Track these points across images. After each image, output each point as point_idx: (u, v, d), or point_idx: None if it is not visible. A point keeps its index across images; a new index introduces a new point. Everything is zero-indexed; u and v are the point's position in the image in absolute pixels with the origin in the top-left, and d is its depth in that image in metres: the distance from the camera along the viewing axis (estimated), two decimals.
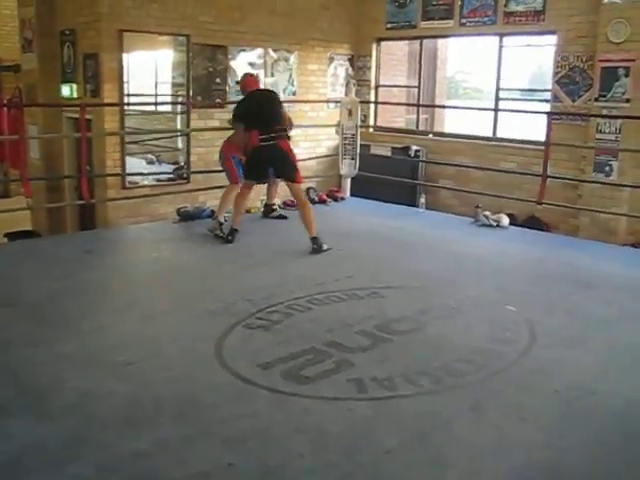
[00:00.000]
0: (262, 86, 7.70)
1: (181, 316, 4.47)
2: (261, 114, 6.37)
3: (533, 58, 14.90)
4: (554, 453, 2.96)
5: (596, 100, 8.03)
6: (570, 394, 3.52)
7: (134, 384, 3.45)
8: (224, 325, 4.27)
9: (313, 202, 8.30)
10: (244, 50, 9.09)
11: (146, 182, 8.63)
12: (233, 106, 8.65)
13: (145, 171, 8.83)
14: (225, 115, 8.82)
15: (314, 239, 6.18)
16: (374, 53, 10.53)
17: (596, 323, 4.61)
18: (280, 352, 3.87)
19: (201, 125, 8.71)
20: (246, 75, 7.18)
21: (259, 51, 9.27)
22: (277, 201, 7.77)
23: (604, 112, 7.93)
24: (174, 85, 8.99)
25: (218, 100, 8.91)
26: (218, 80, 8.91)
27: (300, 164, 8.86)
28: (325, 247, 6.17)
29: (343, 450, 2.90)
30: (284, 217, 7.55)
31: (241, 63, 9.09)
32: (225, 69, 8.98)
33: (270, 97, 6.71)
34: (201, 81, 8.76)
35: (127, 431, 3.00)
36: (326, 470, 2.75)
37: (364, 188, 8.78)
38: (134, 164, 8.74)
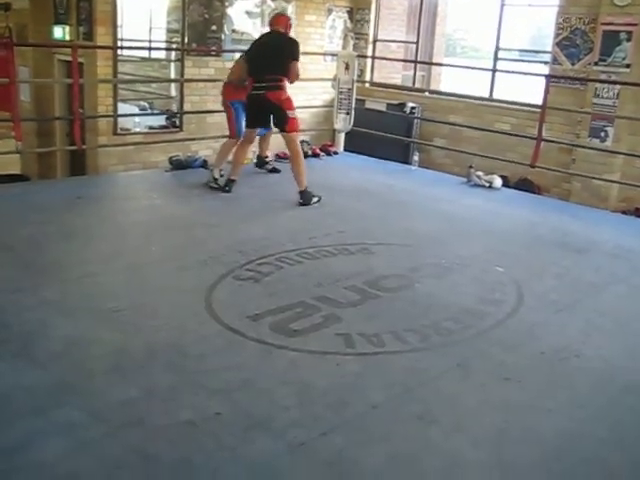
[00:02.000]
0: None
1: (170, 265, 4.45)
2: (258, 61, 6.17)
3: (534, 19, 14.73)
4: (536, 413, 3.00)
5: (596, 64, 7.96)
6: (555, 356, 3.55)
7: (122, 332, 3.44)
8: (214, 276, 4.26)
9: (306, 156, 8.24)
10: None
11: (138, 129, 8.53)
12: (228, 55, 8.61)
13: (137, 119, 8.70)
14: (220, 64, 8.71)
15: (302, 192, 6.14)
16: (373, 6, 10.37)
17: (584, 288, 4.64)
18: (269, 304, 3.87)
19: (195, 73, 8.57)
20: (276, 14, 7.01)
21: (256, 0, 9.09)
22: (270, 153, 7.70)
23: (603, 77, 7.86)
24: (169, 31, 8.82)
25: (214, 48, 8.76)
26: (214, 27, 8.74)
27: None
28: (314, 201, 6.15)
29: (329, 404, 2.92)
30: (277, 170, 7.49)
31: (238, 11, 8.93)
32: (221, 16, 8.81)
33: (274, 44, 6.22)
34: (197, 28, 8.59)
35: (115, 378, 3.00)
36: (312, 423, 2.77)
37: (358, 143, 8.71)
38: (126, 111, 8.63)
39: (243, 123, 6.67)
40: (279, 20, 6.43)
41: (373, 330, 3.64)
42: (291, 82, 6.19)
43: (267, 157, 7.59)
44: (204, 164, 7.33)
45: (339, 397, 2.98)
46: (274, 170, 7.51)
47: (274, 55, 6.10)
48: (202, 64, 8.62)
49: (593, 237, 5.91)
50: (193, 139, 8.19)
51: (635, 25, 7.57)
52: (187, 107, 8.53)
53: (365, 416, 2.86)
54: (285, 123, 6.17)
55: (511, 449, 2.73)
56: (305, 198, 6.13)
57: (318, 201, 6.17)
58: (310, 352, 3.38)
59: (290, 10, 9.42)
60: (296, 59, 6.11)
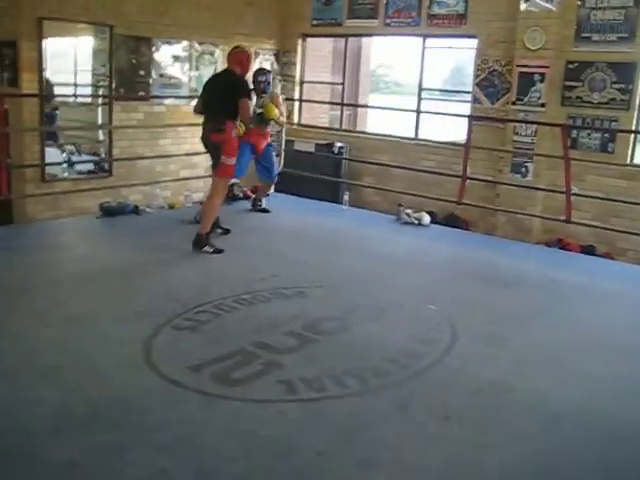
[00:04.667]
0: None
1: (108, 317, 4.39)
2: (206, 100, 6.17)
3: (455, 59, 15.24)
4: (477, 450, 3.09)
5: (514, 104, 8.35)
6: (490, 391, 3.67)
7: (62, 390, 3.39)
8: (152, 326, 4.23)
9: (237, 198, 8.30)
10: (168, 43, 8.98)
11: (66, 175, 8.41)
12: (156, 100, 8.64)
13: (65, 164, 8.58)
14: (148, 108, 8.71)
15: (199, 235, 5.97)
16: (299, 49, 10.59)
17: (514, 321, 4.82)
18: (209, 354, 3.88)
19: (124, 117, 8.55)
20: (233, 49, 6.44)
21: (184, 44, 9.18)
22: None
23: (521, 115, 8.24)
24: (95, 74, 8.77)
25: (142, 93, 8.77)
26: (142, 72, 8.76)
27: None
28: (206, 249, 5.93)
29: (275, 453, 2.95)
30: (267, 211, 7.87)
31: (165, 56, 8.98)
32: (149, 61, 8.84)
33: (222, 84, 6.11)
34: (124, 73, 8.59)
35: (57, 439, 2.94)
36: (259, 473, 2.79)
37: (288, 184, 8.81)
38: (53, 155, 8.50)
39: (243, 164, 7.02)
40: (234, 59, 6.21)
41: (313, 375, 3.69)
42: (243, 120, 6.12)
43: (260, 201, 7.93)
44: (135, 210, 7.30)
45: (284, 445, 3.01)
46: (264, 210, 7.88)
47: (219, 96, 6.00)
48: (131, 109, 8.61)
49: (519, 270, 6.14)
50: (124, 186, 8.13)
51: (547, 67, 7.99)
52: (116, 152, 8.48)
53: (311, 463, 2.90)
54: (218, 166, 6.07)
55: None
56: (199, 242, 5.96)
57: (213, 252, 5.93)
58: (253, 401, 3.40)
59: (217, 53, 9.53)
60: (245, 97, 5.95)
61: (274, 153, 7.79)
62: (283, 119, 7.70)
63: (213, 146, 6.06)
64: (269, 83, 7.48)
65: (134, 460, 2.82)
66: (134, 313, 4.46)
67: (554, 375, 3.96)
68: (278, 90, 8.68)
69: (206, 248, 5.94)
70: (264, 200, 7.99)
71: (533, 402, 3.59)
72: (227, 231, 6.61)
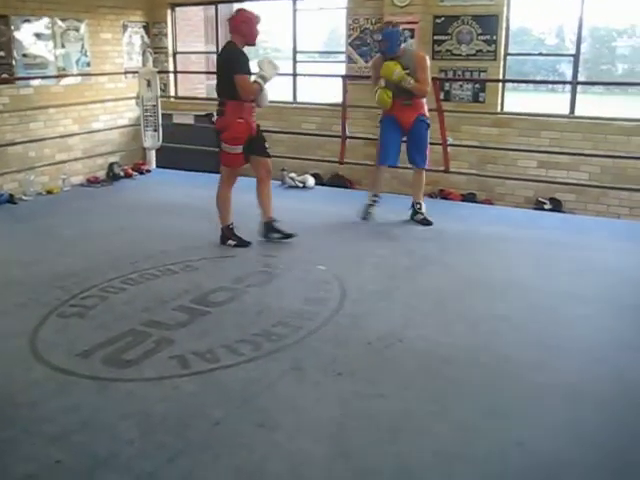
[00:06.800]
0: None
1: None
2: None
3: (333, 21, 15.29)
4: (369, 401, 3.20)
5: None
6: (380, 344, 3.79)
7: None
8: (35, 317, 4.11)
9: (118, 177, 8.10)
10: (28, 20, 8.54)
11: None
12: (22, 82, 8.24)
13: None
14: (14, 91, 8.29)
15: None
16: (169, 19, 10.30)
17: (401, 273, 4.97)
18: (98, 338, 3.81)
19: None
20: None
21: (45, 21, 8.75)
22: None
23: None
24: None
25: (4, 75, 8.32)
26: (2, 53, 8.31)
27: (102, 137, 8.61)
28: (231, 243, 5.64)
29: (172, 429, 2.94)
30: (428, 222, 6.30)
31: (26, 34, 8.54)
32: (9, 41, 8.37)
33: (220, 59, 5.41)
34: None
35: None
36: (157, 452, 2.77)
37: (169, 159, 8.67)
38: None
39: (388, 145, 6.18)
40: (231, 27, 5.27)
41: (206, 347, 3.70)
42: (245, 100, 5.29)
43: (418, 204, 6.41)
44: (11, 199, 6.99)
45: (180, 420, 3.01)
46: (425, 222, 6.31)
47: (219, 74, 5.35)
48: None
49: (404, 224, 6.31)
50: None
51: (416, 23, 8.15)
52: None
53: (208, 435, 2.91)
54: (220, 154, 5.58)
55: (350, 438, 2.90)
56: (222, 237, 5.69)
57: (235, 246, 5.61)
58: (146, 380, 3.37)
59: (83, 29, 9.15)
60: (237, 72, 5.16)
61: (428, 131, 6.25)
62: (419, 85, 5.94)
63: (215, 132, 5.44)
64: (390, 42, 5.92)
65: (25, 455, 2.74)
66: (15, 305, 4.31)
67: (441, 321, 4.13)
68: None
69: (229, 242, 5.65)
70: (424, 205, 6.41)
71: (422, 349, 3.73)
72: (288, 236, 5.76)
